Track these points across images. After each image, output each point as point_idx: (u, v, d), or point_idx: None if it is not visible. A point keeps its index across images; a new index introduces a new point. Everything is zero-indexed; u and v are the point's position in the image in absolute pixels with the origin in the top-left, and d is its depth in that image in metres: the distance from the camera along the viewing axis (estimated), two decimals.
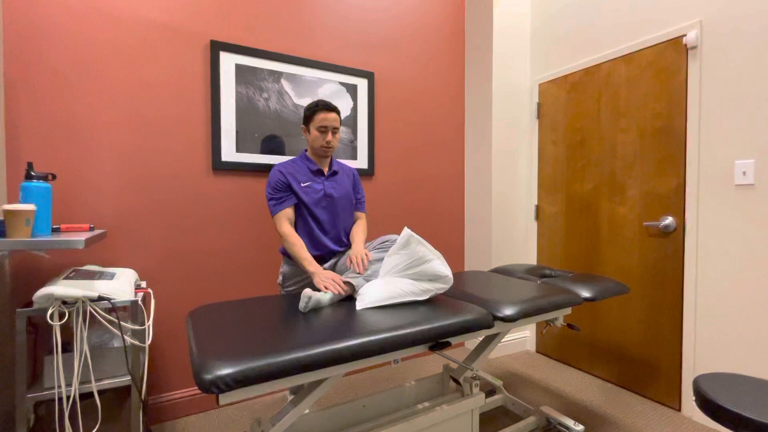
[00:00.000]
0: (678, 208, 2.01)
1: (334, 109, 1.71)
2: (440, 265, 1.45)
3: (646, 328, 2.16)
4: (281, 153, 2.23)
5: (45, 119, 1.71)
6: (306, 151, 1.81)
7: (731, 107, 1.81)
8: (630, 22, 2.21)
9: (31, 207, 1.28)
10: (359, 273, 1.51)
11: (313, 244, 1.73)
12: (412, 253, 1.45)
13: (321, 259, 1.76)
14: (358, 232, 1.80)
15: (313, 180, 1.74)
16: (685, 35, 1.96)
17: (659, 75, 2.07)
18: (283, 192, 1.68)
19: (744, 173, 1.76)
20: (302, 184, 1.71)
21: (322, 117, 1.67)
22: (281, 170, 1.70)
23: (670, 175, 2.04)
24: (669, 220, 2.03)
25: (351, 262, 1.56)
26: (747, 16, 1.75)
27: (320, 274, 1.50)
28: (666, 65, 2.04)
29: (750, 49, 1.75)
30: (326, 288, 1.43)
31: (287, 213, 1.68)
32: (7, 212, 1.24)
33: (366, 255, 1.56)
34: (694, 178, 1.94)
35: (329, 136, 1.69)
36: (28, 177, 1.38)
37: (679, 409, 2.02)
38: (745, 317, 1.77)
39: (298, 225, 1.74)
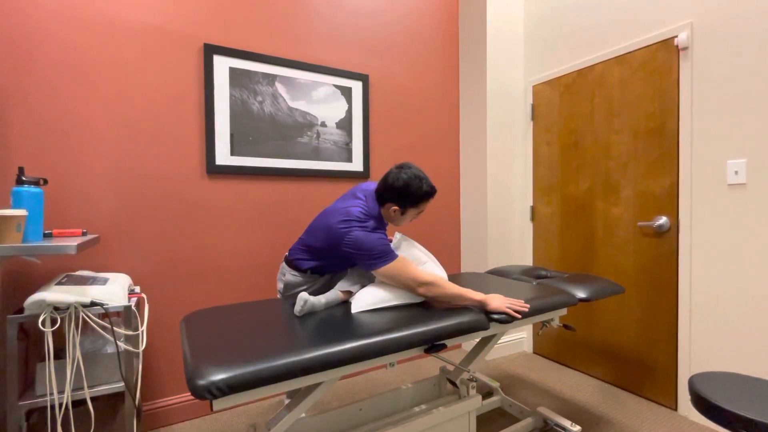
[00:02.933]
0: (672, 207, 2.02)
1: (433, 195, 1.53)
2: (434, 267, 1.45)
3: (641, 328, 2.17)
4: (277, 156, 2.22)
5: (36, 123, 1.70)
6: (379, 212, 1.50)
7: (723, 107, 1.82)
8: (622, 23, 2.23)
9: (22, 212, 1.27)
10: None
11: (330, 271, 1.62)
12: (404, 255, 1.45)
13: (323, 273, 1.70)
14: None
15: None
16: (676, 36, 1.97)
17: (651, 76, 2.09)
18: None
19: (736, 173, 1.78)
20: None
21: (424, 203, 1.48)
22: (384, 235, 1.43)
23: (664, 175, 2.05)
24: (663, 219, 2.04)
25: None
26: (737, 17, 1.77)
27: (496, 298, 1.38)
28: (658, 66, 2.06)
29: (740, 50, 1.76)
30: (508, 310, 1.35)
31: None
32: None
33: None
34: (687, 177, 1.95)
35: (415, 216, 1.54)
36: (19, 182, 1.36)
37: (676, 408, 2.02)
38: (739, 316, 1.78)
39: (335, 262, 1.55)
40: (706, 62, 1.88)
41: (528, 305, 1.39)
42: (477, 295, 1.38)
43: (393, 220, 1.52)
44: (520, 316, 1.36)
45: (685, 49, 1.94)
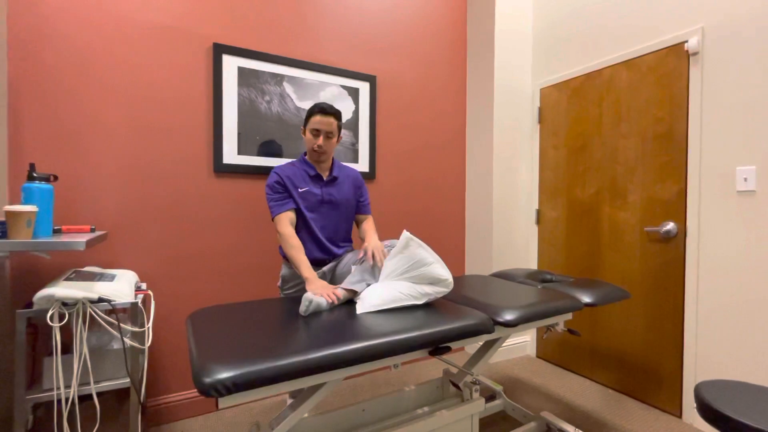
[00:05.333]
0: (679, 213, 2.00)
1: (331, 113, 1.65)
2: (440, 269, 1.45)
3: (647, 334, 2.15)
4: (282, 156, 2.23)
5: (48, 120, 1.72)
6: (305, 154, 1.78)
7: (732, 113, 1.81)
8: (632, 27, 2.22)
9: (32, 208, 1.28)
10: (371, 267, 1.50)
11: (317, 246, 1.73)
12: (411, 255, 1.44)
13: (324, 262, 1.76)
14: (369, 229, 1.77)
15: (312, 185, 1.71)
16: (686, 41, 1.96)
17: (661, 80, 2.07)
18: (281, 194, 1.66)
19: (745, 179, 1.76)
20: (300, 189, 1.68)
21: (317, 120, 1.63)
22: (279, 173, 1.68)
23: (672, 181, 2.04)
24: (670, 225, 2.03)
25: (365, 254, 1.52)
26: (748, 23, 1.76)
27: (314, 282, 1.48)
28: (667, 71, 2.04)
29: (751, 56, 1.75)
30: (324, 294, 1.39)
31: (288, 215, 1.65)
32: (8, 213, 1.25)
33: (383, 250, 1.52)
34: (695, 183, 1.93)
35: (320, 140, 1.64)
36: (30, 178, 1.38)
37: (680, 416, 2.01)
38: (746, 324, 1.77)
39: (299, 228, 1.71)
40: (716, 68, 1.86)
41: (337, 297, 1.39)
42: (306, 272, 1.52)
43: (307, 148, 1.71)
44: (333, 299, 1.37)
45: (695, 54, 1.93)
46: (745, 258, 1.77)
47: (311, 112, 1.65)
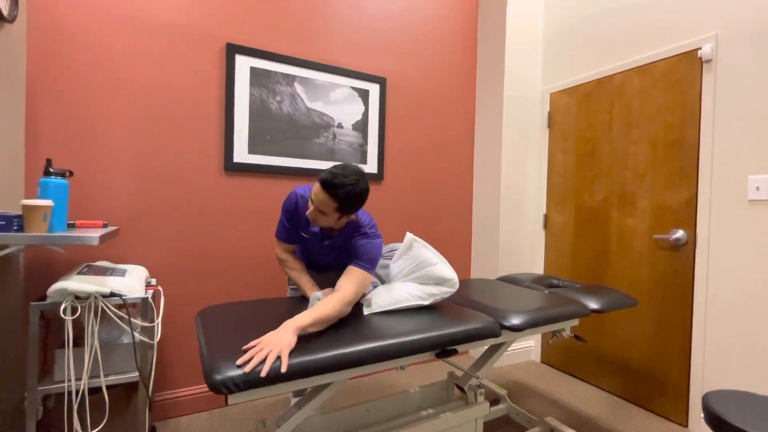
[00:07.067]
0: (689, 221, 1.99)
1: (332, 192, 1.24)
2: (445, 269, 1.45)
3: (654, 342, 2.14)
4: (291, 156, 2.25)
5: (64, 118, 1.75)
6: None
7: (745, 121, 1.80)
8: (644, 33, 2.21)
9: (48, 203, 1.31)
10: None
11: (319, 270, 1.68)
12: (415, 256, 1.45)
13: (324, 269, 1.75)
14: (324, 302, 1.19)
15: (310, 237, 1.51)
16: (700, 48, 1.95)
17: (673, 87, 2.06)
18: (290, 225, 1.52)
19: (757, 188, 1.74)
20: (302, 232, 1.53)
21: (314, 188, 1.29)
22: (291, 207, 1.49)
23: (682, 188, 2.02)
24: (680, 233, 2.01)
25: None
26: (763, 30, 1.74)
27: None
28: (680, 77, 2.03)
29: (765, 63, 1.73)
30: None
31: (289, 246, 1.58)
32: (25, 207, 1.27)
33: (282, 352, 0.98)
34: (706, 191, 1.92)
35: (310, 209, 1.31)
36: (47, 173, 1.40)
37: (686, 425, 1.99)
38: (756, 334, 1.75)
39: (303, 257, 1.63)
40: (729, 75, 1.85)
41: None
42: (310, 293, 1.45)
43: None
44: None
45: (708, 61, 1.92)
46: (756, 267, 1.75)
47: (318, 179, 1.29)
